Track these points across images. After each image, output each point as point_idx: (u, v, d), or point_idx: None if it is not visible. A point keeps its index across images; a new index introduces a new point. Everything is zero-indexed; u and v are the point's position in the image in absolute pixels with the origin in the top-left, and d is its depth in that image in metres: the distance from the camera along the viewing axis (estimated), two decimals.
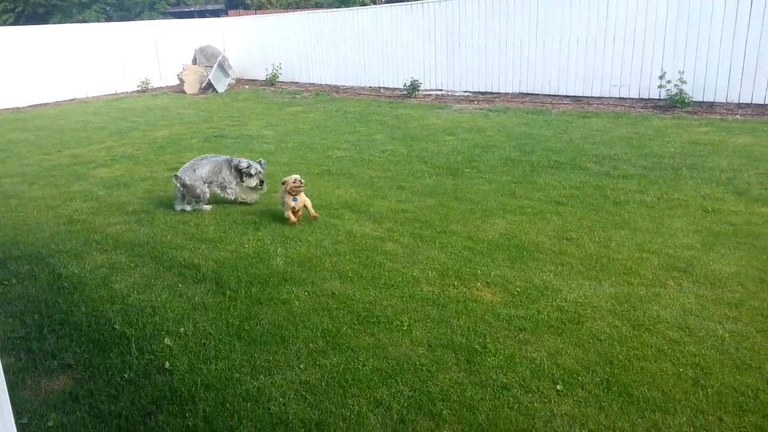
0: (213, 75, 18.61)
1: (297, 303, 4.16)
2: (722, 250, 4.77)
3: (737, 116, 10.08)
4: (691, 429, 2.77)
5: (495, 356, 3.39)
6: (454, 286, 4.33)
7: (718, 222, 5.37)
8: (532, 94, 13.74)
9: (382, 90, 16.65)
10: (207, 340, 3.72)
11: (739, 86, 10.67)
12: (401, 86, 15.73)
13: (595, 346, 3.48)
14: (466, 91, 15.12)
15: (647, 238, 5.08)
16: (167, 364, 3.47)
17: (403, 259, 4.89)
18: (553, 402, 2.99)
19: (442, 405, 3.00)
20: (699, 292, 4.09)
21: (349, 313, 4.00)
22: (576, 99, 12.86)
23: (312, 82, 18.85)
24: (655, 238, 5.07)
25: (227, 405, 3.10)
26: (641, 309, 3.87)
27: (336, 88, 17.54)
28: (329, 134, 10.70)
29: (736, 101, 10.73)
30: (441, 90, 15.69)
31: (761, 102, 10.44)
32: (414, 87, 15.16)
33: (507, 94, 14.23)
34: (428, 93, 15.52)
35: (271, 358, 3.50)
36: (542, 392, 3.07)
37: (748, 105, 10.58)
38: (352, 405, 3.04)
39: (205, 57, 20.18)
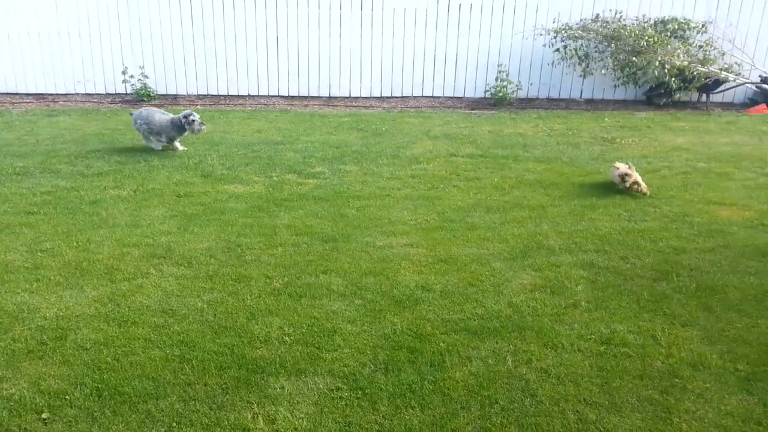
0: None
1: None
2: (196, 229, 5.29)
3: (198, 106, 11.22)
4: (182, 404, 3.01)
5: None
6: None
7: (191, 204, 5.92)
8: None
9: None
10: None
11: (195, 80, 11.86)
12: None
13: (82, 357, 3.37)
14: None
15: (126, 232, 5.18)
16: None
17: None
18: None
19: None
20: (179, 273, 4.44)
21: None
22: (40, 96, 11.77)
23: None
24: (135, 230, 5.21)
25: None
26: (126, 305, 3.95)
27: None
28: None
29: (196, 93, 11.94)
30: None
31: (216, 93, 11.93)
32: None
33: None
34: None
35: None
36: (26, 429, 2.79)
37: (206, 96, 11.91)
38: None
39: None
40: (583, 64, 10.96)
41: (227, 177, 6.85)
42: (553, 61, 11.17)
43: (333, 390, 3.13)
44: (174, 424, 2.86)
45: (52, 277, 4.30)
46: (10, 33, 11.57)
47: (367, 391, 3.11)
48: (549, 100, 11.69)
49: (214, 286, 4.26)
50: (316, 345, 3.53)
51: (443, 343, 3.51)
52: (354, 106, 11.36)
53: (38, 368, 3.25)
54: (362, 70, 11.81)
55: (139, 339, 3.55)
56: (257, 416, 2.93)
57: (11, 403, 2.96)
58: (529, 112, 10.82)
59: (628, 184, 5.87)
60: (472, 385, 3.13)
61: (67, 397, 3.03)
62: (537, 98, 11.73)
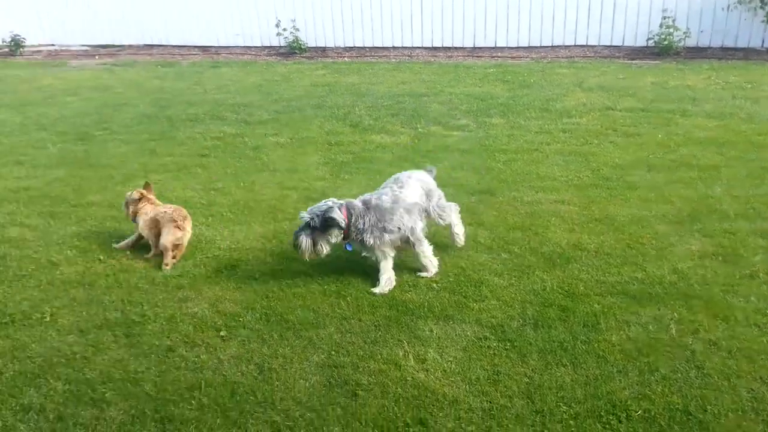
0: None
1: None
2: (346, 176, 5.52)
3: (345, 58, 11.52)
4: (339, 335, 3.22)
5: (155, 322, 3.33)
6: (100, 260, 4.02)
7: (341, 152, 6.17)
8: (160, 45, 13.08)
9: None
10: None
11: (342, 32, 12.13)
12: (0, 43, 13.08)
13: (252, 286, 3.70)
14: (84, 45, 13.48)
15: (286, 176, 5.53)
16: None
17: (34, 243, 4.28)
18: (218, 349, 3.12)
19: (104, 388, 2.83)
20: None
21: None
22: (204, 49, 12.76)
23: None
24: (293, 175, 5.56)
25: None
26: (287, 241, 4.25)
27: None
28: None
29: (343, 45, 12.22)
30: (53, 45, 13.64)
31: (362, 45, 12.13)
32: (17, 43, 12.79)
33: (132, 46, 13.23)
34: (37, 49, 13.32)
35: None
36: (207, 343, 3.16)
37: (352, 48, 12.17)
38: None
39: None
40: (766, 8, 9.59)
41: (374, 127, 7.02)
42: (729, 6, 9.90)
43: (481, 339, 3.16)
44: (333, 353, 3.08)
45: (223, 214, 4.75)
46: None
47: (515, 344, 3.10)
48: (723, 49, 10.42)
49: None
50: (463, 294, 3.57)
51: (598, 304, 3.38)
52: (500, 57, 10.98)
53: (216, 292, 3.64)
54: (509, 19, 11.32)
55: (300, 273, 3.82)
56: (408, 354, 3.05)
57: (195, 320, 3.35)
58: (699, 62, 9.74)
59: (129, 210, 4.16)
60: (629, 350, 3.00)
61: (240, 319, 3.37)
62: (709, 47, 10.50)
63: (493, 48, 11.54)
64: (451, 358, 3.02)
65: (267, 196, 5.08)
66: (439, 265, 3.80)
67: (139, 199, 4.13)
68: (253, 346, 3.14)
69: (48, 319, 3.37)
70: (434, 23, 11.69)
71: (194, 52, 12.57)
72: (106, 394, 2.79)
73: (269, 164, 5.87)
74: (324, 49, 12.19)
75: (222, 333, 3.25)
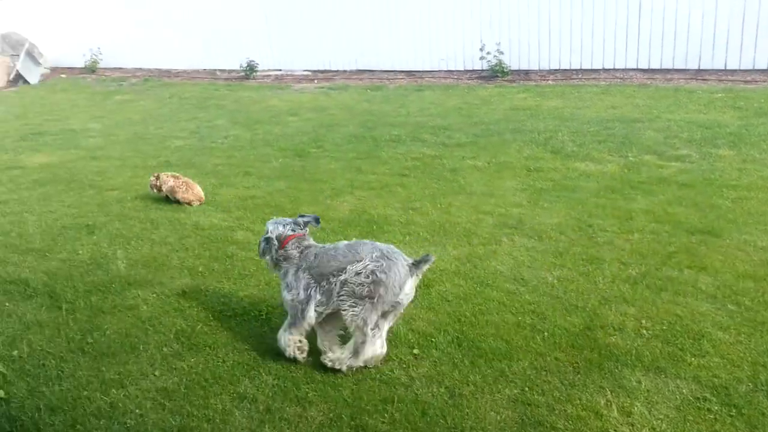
0: (21, 65, 16.48)
1: (145, 307, 3.92)
2: (545, 204, 5.31)
3: (549, 81, 11.19)
4: (533, 371, 3.08)
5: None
6: None
7: (540, 179, 5.97)
8: (370, 71, 14.02)
9: (218, 72, 15.94)
10: (46, 360, 3.38)
11: (548, 54, 11.81)
12: (238, 67, 15.18)
13: (445, 307, 3.72)
14: (305, 70, 15.00)
15: (482, 200, 5.50)
16: (1, 392, 3.11)
17: (256, 246, 4.79)
18: (411, 366, 3.17)
19: (308, 388, 3.04)
20: (529, 244, 4.53)
21: (204, 309, 3.86)
22: (410, 73, 13.36)
23: (139, 67, 17.47)
24: (489, 199, 5.50)
25: (77, 427, 2.86)
26: (481, 267, 4.20)
27: (167, 73, 16.46)
28: (164, 123, 10.06)
29: (548, 68, 11.89)
30: (280, 70, 15.40)
31: (567, 67, 11.68)
32: (252, 68, 14.70)
33: (346, 71, 14.38)
34: (267, 74, 15.16)
35: (122, 370, 3.28)
36: (401, 359, 3.23)
37: (557, 71, 11.77)
38: (215, 404, 2.96)
39: (9, 45, 17.74)
40: None
41: (578, 154, 6.68)
42: None
43: (699, 399, 2.78)
44: (526, 389, 2.94)
45: (420, 233, 4.86)
46: (390, 17, 13.35)
47: (743, 411, 2.67)
48: None
49: (564, 263, 4.21)
50: (679, 345, 3.18)
51: None
52: (729, 80, 9.77)
53: (409, 310, 3.69)
54: (744, 37, 10.01)
55: (493, 301, 3.75)
56: (611, 404, 2.79)
57: (389, 335, 3.45)
58: None
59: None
60: None
61: (432, 339, 3.39)
62: None
63: (722, 71, 10.31)
64: (661, 416, 2.69)
65: (462, 219, 5.10)
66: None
67: (157, 178, 5.96)
68: (444, 369, 3.13)
69: (264, 316, 3.74)
70: (652, 42, 10.80)
71: (400, 77, 13.24)
72: (309, 394, 2.99)
73: (466, 187, 5.89)
74: (527, 72, 12.00)
75: (415, 351, 3.29)
